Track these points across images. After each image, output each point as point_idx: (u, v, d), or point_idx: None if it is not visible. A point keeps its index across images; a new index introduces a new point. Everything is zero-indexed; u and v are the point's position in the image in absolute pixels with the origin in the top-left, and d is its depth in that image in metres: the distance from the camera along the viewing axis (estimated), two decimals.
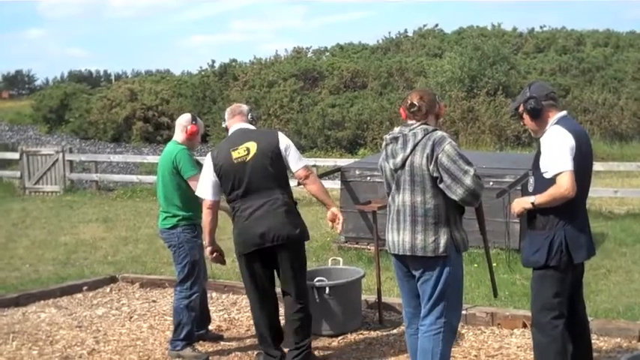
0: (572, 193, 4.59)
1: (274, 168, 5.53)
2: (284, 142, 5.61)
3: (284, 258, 5.59)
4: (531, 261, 4.86)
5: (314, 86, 35.13)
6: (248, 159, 5.51)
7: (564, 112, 4.89)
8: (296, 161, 5.61)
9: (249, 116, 5.86)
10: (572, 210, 4.72)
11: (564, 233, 4.72)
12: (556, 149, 4.68)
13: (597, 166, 14.29)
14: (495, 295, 5.92)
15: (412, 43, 42.40)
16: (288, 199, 5.57)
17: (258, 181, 5.50)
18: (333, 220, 5.78)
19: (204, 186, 5.68)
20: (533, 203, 4.74)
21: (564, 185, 4.59)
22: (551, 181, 4.67)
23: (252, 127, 5.81)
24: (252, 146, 5.55)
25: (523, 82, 30.92)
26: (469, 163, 4.74)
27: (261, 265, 5.65)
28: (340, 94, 33.89)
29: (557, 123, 4.80)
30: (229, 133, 5.81)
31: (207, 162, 5.66)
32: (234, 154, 5.54)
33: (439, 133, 4.81)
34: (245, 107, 5.97)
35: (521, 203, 4.87)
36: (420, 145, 4.77)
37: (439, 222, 4.76)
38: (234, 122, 5.81)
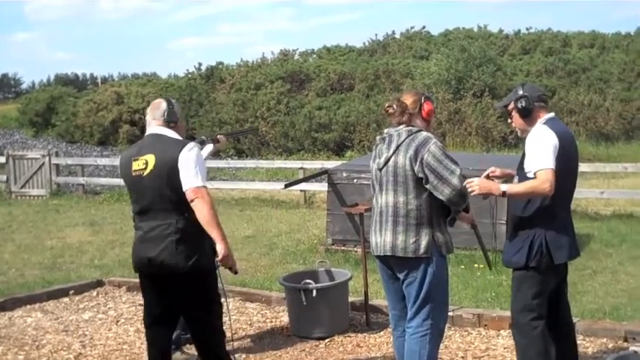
0: (550, 191, 4.59)
1: (171, 189, 4.74)
2: (184, 157, 4.75)
3: (178, 291, 4.91)
4: (512, 262, 4.89)
5: (301, 88, 35.08)
6: (145, 174, 4.82)
7: (552, 114, 4.91)
8: (186, 179, 4.72)
9: (164, 117, 4.98)
10: (554, 211, 4.74)
11: (545, 234, 4.73)
12: (539, 148, 4.69)
13: (583, 167, 14.36)
14: (490, 268, 6.09)
15: (399, 45, 42.41)
16: (185, 226, 4.76)
17: (153, 201, 4.82)
18: (221, 261, 4.87)
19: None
20: (504, 192, 4.69)
21: (544, 181, 4.59)
22: (527, 178, 4.73)
23: (168, 132, 4.95)
24: (151, 160, 4.82)
25: (509, 83, 31.01)
26: (455, 163, 4.75)
27: (153, 290, 5.06)
28: (327, 96, 33.85)
29: (544, 124, 4.82)
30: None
31: (118, 166, 5.17)
32: (134, 165, 4.88)
33: (424, 134, 4.82)
34: (161, 108, 5.01)
35: (488, 186, 4.75)
36: (403, 145, 4.79)
37: (421, 223, 4.77)
38: (151, 126, 5.03)
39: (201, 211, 4.71)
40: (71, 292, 8.51)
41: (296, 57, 42.11)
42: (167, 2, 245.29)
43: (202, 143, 6.54)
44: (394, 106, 4.92)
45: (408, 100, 4.94)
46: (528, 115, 4.86)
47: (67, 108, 42.54)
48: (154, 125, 5.01)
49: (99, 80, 73.65)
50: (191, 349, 6.49)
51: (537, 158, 4.67)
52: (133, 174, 4.89)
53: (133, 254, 5.09)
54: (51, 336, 7.03)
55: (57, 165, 18.19)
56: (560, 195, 4.71)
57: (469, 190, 4.71)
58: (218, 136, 6.79)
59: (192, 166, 4.74)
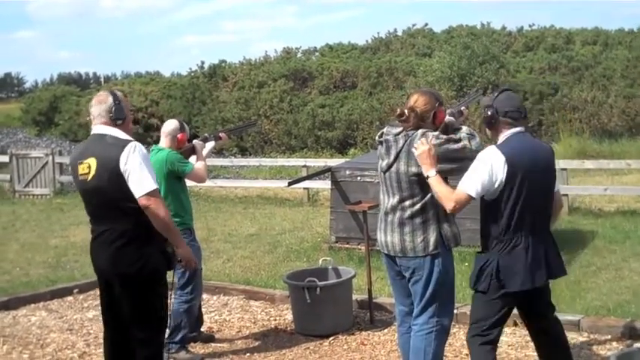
0: (451, 211, 4.56)
1: (116, 192, 4.54)
2: (126, 159, 4.50)
3: (122, 298, 4.71)
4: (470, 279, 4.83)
5: (304, 86, 35.06)
6: (89, 179, 4.62)
7: (517, 129, 4.70)
8: (136, 186, 4.50)
9: (111, 115, 4.71)
10: (511, 237, 4.58)
11: (498, 260, 4.61)
12: (474, 170, 4.60)
13: (587, 164, 14.42)
14: None
15: (401, 42, 42.31)
16: (131, 231, 4.59)
17: (99, 205, 4.67)
18: (184, 266, 5.10)
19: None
20: (427, 176, 4.63)
21: (452, 200, 4.55)
22: (483, 201, 4.64)
23: (112, 131, 4.70)
24: (93, 164, 4.60)
25: (513, 80, 30.93)
26: (457, 141, 4.78)
27: (108, 299, 4.87)
28: (330, 94, 33.83)
29: (500, 142, 4.69)
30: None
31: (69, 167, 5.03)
32: (80, 169, 4.68)
33: (418, 133, 4.78)
34: (107, 103, 4.74)
35: (425, 160, 4.63)
36: (403, 152, 4.78)
37: (426, 220, 4.78)
38: (95, 123, 4.76)
39: (156, 218, 4.55)
40: (75, 290, 8.53)
41: (299, 55, 42.07)
42: (170, 0, 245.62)
43: (205, 140, 6.58)
44: (406, 112, 4.86)
45: (421, 106, 4.84)
46: (490, 126, 4.75)
47: (70, 107, 42.59)
48: (99, 124, 4.73)
49: (102, 79, 73.66)
50: (195, 348, 6.51)
51: (467, 178, 4.59)
52: (80, 178, 4.70)
53: (91, 259, 4.90)
54: (55, 335, 7.05)
55: (60, 164, 18.16)
56: (516, 220, 4.55)
57: (415, 148, 4.67)
58: (220, 134, 6.82)
59: (137, 171, 4.51)
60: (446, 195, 4.58)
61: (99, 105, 4.73)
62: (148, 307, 4.72)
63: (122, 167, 4.51)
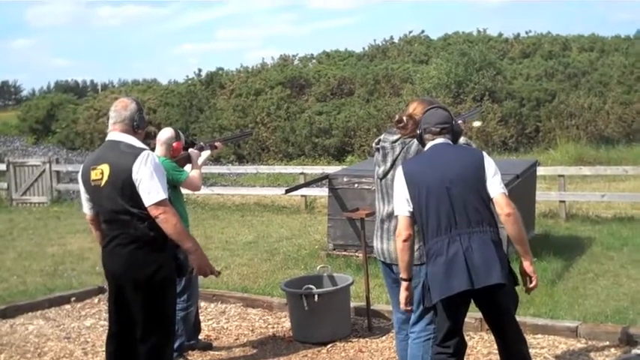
0: (403, 235, 4.50)
1: (127, 200, 4.58)
2: (138, 168, 4.55)
3: (133, 302, 4.73)
4: None
5: (301, 94, 35.04)
6: (102, 185, 4.66)
7: (435, 142, 4.64)
8: (146, 195, 4.53)
9: (135, 123, 4.79)
10: (430, 247, 4.52)
11: (426, 272, 4.59)
12: (394, 192, 4.68)
13: (584, 170, 14.46)
14: None
15: (398, 49, 42.30)
16: (144, 236, 4.62)
17: (112, 211, 4.67)
18: (198, 272, 4.96)
19: (82, 199, 4.98)
20: (403, 279, 4.64)
21: (398, 232, 4.56)
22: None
23: (126, 138, 4.75)
24: (106, 170, 4.65)
25: (509, 87, 31.00)
26: None
27: (115, 302, 4.89)
28: (327, 101, 33.82)
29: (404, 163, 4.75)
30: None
31: (79, 174, 4.98)
32: (93, 175, 4.71)
33: (415, 142, 4.79)
34: (129, 110, 4.81)
35: (407, 296, 4.69)
36: (400, 159, 4.79)
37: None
38: (113, 129, 4.81)
39: (168, 227, 4.57)
40: (73, 299, 8.50)
41: (295, 62, 42.06)
42: (166, 8, 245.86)
43: (200, 149, 6.59)
44: (404, 119, 4.86)
45: (420, 114, 4.80)
46: (421, 142, 4.73)
47: (68, 115, 42.60)
48: (117, 130, 4.78)
49: (99, 87, 73.72)
50: (193, 356, 6.50)
51: (395, 202, 4.66)
52: (92, 184, 4.74)
53: (103, 267, 4.97)
54: (53, 343, 7.03)
55: (57, 172, 18.16)
56: (430, 228, 4.50)
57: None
58: (216, 143, 6.83)
59: (148, 180, 4.55)
60: (396, 243, 4.59)
61: (123, 110, 4.79)
62: (158, 311, 4.74)
63: (134, 176, 4.55)
